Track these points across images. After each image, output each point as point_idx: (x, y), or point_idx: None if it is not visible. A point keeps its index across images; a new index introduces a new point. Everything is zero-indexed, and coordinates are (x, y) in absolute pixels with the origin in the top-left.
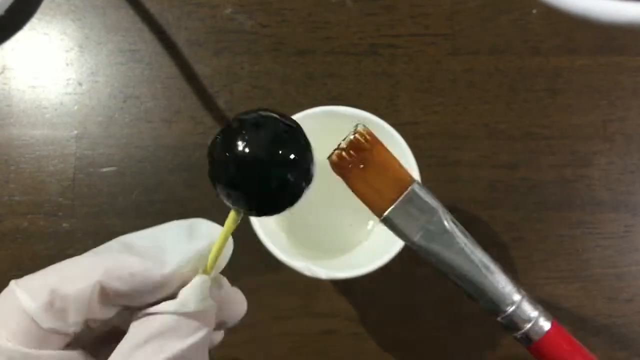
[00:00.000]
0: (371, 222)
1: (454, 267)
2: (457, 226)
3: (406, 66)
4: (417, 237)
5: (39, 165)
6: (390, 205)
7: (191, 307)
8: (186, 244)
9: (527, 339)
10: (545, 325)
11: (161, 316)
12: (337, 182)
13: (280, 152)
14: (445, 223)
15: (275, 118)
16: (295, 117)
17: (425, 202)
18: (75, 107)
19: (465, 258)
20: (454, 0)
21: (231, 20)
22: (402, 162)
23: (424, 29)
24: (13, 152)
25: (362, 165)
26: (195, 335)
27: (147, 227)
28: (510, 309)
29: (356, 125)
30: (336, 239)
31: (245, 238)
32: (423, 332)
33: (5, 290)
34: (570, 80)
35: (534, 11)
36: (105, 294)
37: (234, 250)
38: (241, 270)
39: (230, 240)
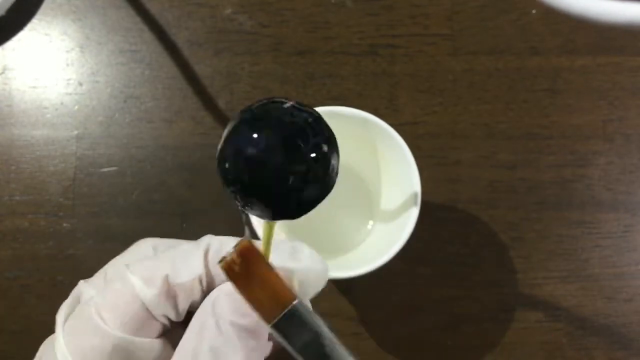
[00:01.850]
0: (371, 222)
1: None
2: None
3: (406, 66)
4: (296, 351)
5: (40, 165)
6: (272, 321)
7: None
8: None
9: None
10: None
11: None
12: (337, 183)
13: (306, 154)
14: (323, 347)
15: (296, 109)
16: None
17: (305, 323)
18: (76, 107)
19: None
20: (454, 0)
21: (231, 20)
22: (402, 162)
23: (423, 29)
24: (14, 152)
25: (247, 278)
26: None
27: (147, 226)
28: None
29: (236, 245)
30: (336, 239)
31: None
32: (423, 332)
33: (120, 277)
34: (569, 80)
35: (534, 11)
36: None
37: None
38: None
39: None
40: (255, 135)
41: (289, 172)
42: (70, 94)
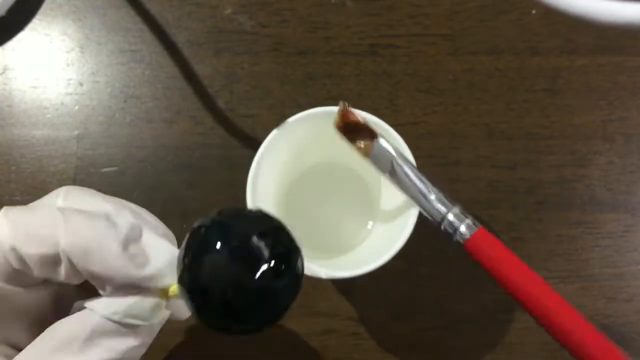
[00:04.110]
0: (371, 222)
1: (411, 195)
2: (406, 165)
3: (406, 66)
4: (386, 172)
5: (40, 165)
6: (371, 150)
7: (129, 320)
8: (170, 255)
9: (462, 238)
10: (475, 227)
11: (96, 318)
12: (337, 183)
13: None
14: (397, 165)
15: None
16: (295, 117)
17: (387, 149)
18: (76, 107)
19: (413, 188)
20: (453, 0)
21: (231, 20)
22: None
23: (423, 29)
24: (14, 152)
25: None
26: (125, 346)
27: None
28: (448, 218)
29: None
30: (336, 238)
31: None
32: (423, 332)
33: None
34: (569, 80)
35: (534, 12)
36: (70, 267)
37: None
38: None
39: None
40: (212, 251)
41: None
42: (70, 94)
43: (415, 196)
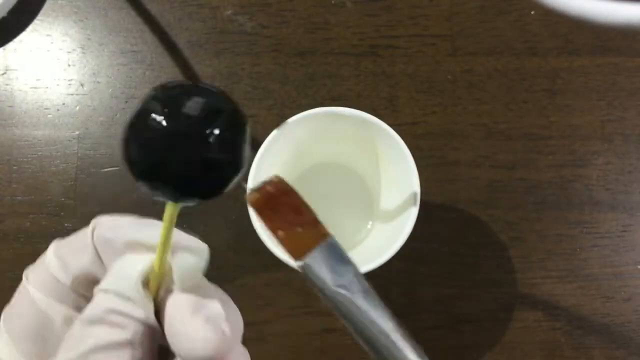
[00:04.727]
0: (371, 222)
1: (362, 329)
2: (369, 290)
3: (405, 67)
4: (331, 287)
5: (41, 165)
6: (308, 253)
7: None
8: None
9: None
10: None
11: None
12: (337, 183)
13: (209, 131)
14: (359, 282)
15: (204, 90)
16: (295, 118)
17: (342, 257)
18: (77, 108)
19: (374, 324)
20: (453, 1)
21: (232, 21)
22: (402, 162)
23: (423, 30)
24: (15, 152)
25: (281, 210)
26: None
27: None
28: None
29: (269, 180)
30: (336, 238)
31: (245, 237)
32: (422, 332)
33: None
34: (568, 81)
35: (532, 12)
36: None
37: (235, 249)
38: (242, 269)
39: (206, 250)
40: (156, 119)
41: (192, 153)
42: (71, 94)
43: (372, 337)
